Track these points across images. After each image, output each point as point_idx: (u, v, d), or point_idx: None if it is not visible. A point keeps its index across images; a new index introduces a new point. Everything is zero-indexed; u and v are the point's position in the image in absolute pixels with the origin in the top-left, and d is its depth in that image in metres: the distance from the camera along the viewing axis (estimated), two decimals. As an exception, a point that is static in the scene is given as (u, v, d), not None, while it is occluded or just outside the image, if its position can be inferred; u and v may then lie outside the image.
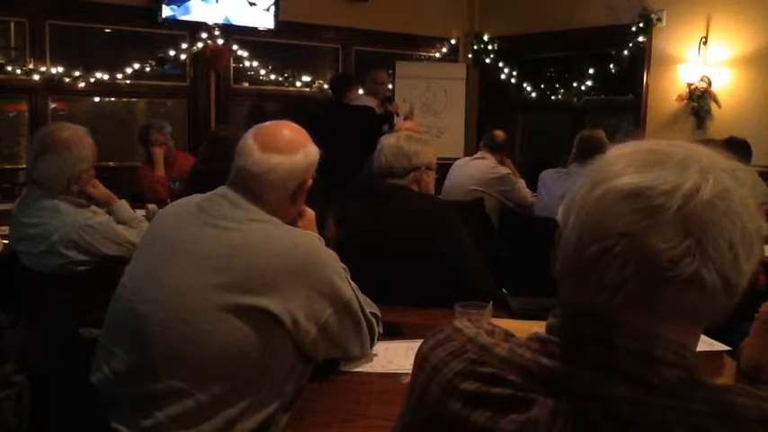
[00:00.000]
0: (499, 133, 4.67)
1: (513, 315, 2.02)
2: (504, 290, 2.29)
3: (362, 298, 1.70)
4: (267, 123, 1.69)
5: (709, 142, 2.92)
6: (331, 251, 1.67)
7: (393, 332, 1.90)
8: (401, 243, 2.27)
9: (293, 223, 1.69)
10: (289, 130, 1.67)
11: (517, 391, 0.73)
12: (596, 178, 0.74)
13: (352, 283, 1.68)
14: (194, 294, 1.47)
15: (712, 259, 0.69)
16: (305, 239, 1.60)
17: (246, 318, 1.46)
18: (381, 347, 1.79)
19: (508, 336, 0.83)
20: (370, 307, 1.74)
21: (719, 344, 1.85)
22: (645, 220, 0.69)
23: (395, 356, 1.72)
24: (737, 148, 3.98)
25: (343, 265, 1.73)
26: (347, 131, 5.04)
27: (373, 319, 1.71)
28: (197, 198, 1.64)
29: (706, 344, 1.86)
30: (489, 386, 0.75)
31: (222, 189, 1.62)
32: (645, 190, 0.70)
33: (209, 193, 1.63)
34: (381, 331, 1.76)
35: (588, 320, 0.74)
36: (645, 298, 0.70)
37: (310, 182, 1.69)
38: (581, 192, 0.75)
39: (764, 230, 0.74)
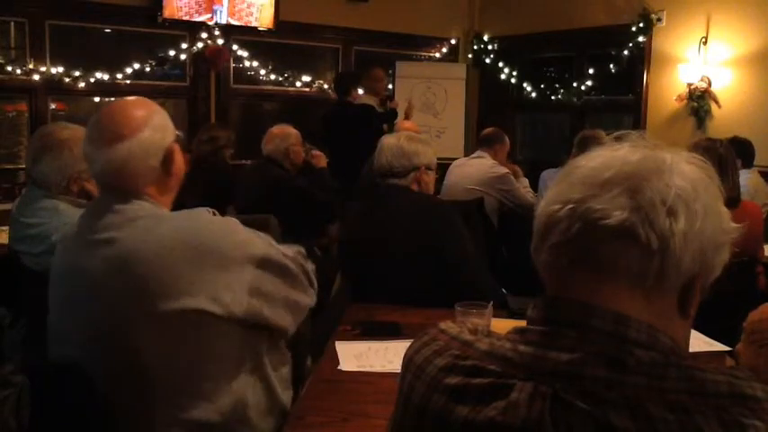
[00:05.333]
0: (489, 129, 4.70)
1: (513, 315, 2.02)
2: (504, 290, 2.29)
3: (282, 247, 1.60)
4: (95, 116, 1.51)
5: (714, 141, 2.93)
6: (227, 217, 1.57)
7: (393, 332, 1.90)
8: (401, 243, 2.28)
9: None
10: (120, 111, 1.49)
11: (497, 379, 0.77)
12: (563, 170, 0.85)
13: (262, 235, 1.57)
14: (111, 321, 1.41)
15: (646, 214, 0.74)
16: (189, 218, 1.49)
17: (173, 324, 1.40)
18: (381, 347, 1.79)
19: (490, 333, 0.86)
20: (290, 248, 1.63)
21: (719, 344, 1.86)
22: (590, 189, 0.78)
23: (395, 356, 1.72)
24: (741, 147, 3.99)
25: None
26: (348, 130, 5.06)
27: (300, 258, 1.61)
28: (83, 216, 1.53)
29: (706, 344, 1.87)
30: (470, 378, 0.79)
31: (100, 197, 1.54)
32: (597, 167, 0.80)
33: (91, 205, 1.56)
34: (313, 267, 1.65)
35: (562, 305, 0.78)
36: (586, 255, 0.77)
37: (175, 145, 1.54)
38: (552, 183, 0.86)
39: (729, 224, 0.80)
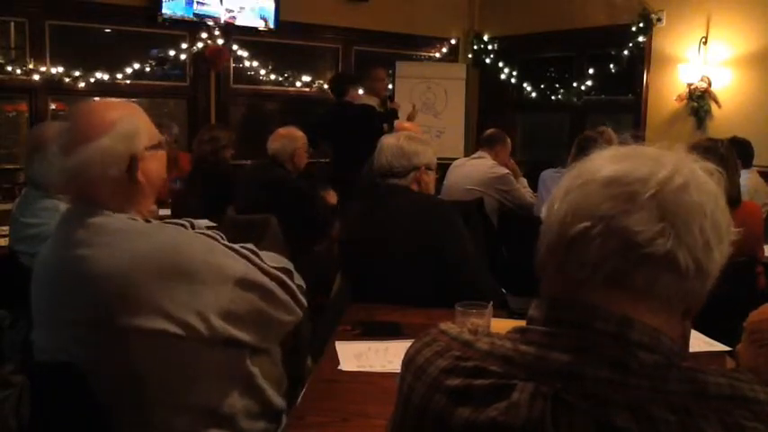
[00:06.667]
0: (491, 130, 4.71)
1: (512, 315, 2.02)
2: (504, 290, 2.29)
3: (264, 256, 1.53)
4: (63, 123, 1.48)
5: (716, 141, 2.95)
6: (201, 234, 1.51)
7: (393, 332, 1.90)
8: (401, 243, 2.27)
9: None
10: (87, 116, 1.45)
11: (498, 380, 0.77)
12: (580, 171, 0.82)
13: (245, 247, 1.51)
14: (83, 330, 1.38)
15: (685, 242, 0.74)
16: (160, 237, 1.42)
17: (144, 339, 1.36)
18: (382, 347, 1.79)
19: (490, 333, 0.86)
20: (276, 262, 1.56)
21: (720, 344, 1.85)
22: (622, 204, 0.75)
23: (395, 356, 1.72)
24: (740, 147, 3.99)
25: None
26: (348, 131, 5.05)
27: (284, 276, 1.53)
28: (59, 224, 1.51)
29: (706, 344, 1.87)
30: (471, 379, 0.78)
31: (70, 207, 1.50)
32: (622, 177, 0.77)
33: (64, 214, 1.51)
34: (303, 284, 1.60)
35: (566, 306, 0.78)
36: (621, 277, 0.76)
37: (146, 152, 1.47)
38: (565, 183, 0.82)
39: (732, 228, 0.81)
